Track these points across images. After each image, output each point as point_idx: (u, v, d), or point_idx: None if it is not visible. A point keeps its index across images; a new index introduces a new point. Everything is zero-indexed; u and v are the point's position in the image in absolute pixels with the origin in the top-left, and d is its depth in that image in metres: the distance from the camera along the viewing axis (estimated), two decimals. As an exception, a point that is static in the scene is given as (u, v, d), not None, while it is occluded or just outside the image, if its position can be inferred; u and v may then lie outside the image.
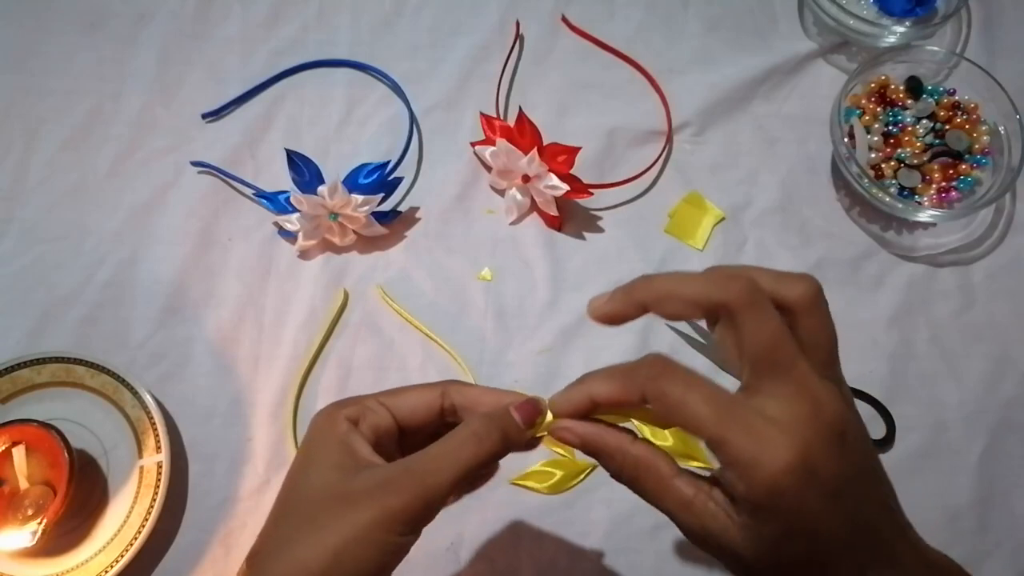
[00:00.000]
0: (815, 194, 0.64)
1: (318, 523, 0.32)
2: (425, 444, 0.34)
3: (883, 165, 0.61)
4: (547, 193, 0.58)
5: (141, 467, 0.52)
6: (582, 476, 0.55)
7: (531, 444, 0.35)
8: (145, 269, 0.59)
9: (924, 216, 0.60)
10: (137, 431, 0.53)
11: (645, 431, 0.56)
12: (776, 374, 0.30)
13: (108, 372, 0.54)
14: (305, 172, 0.57)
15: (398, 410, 0.36)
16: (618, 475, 0.33)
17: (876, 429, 0.57)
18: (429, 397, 0.36)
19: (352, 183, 0.57)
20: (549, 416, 0.34)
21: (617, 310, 0.33)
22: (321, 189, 0.56)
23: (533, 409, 0.34)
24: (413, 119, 0.63)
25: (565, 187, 0.58)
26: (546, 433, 0.34)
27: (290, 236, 0.60)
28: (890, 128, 0.62)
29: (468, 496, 0.40)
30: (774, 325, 0.30)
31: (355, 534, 0.31)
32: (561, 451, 0.55)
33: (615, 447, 0.32)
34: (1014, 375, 0.59)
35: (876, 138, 0.62)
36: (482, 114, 0.63)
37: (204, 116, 0.64)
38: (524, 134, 0.58)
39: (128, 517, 0.51)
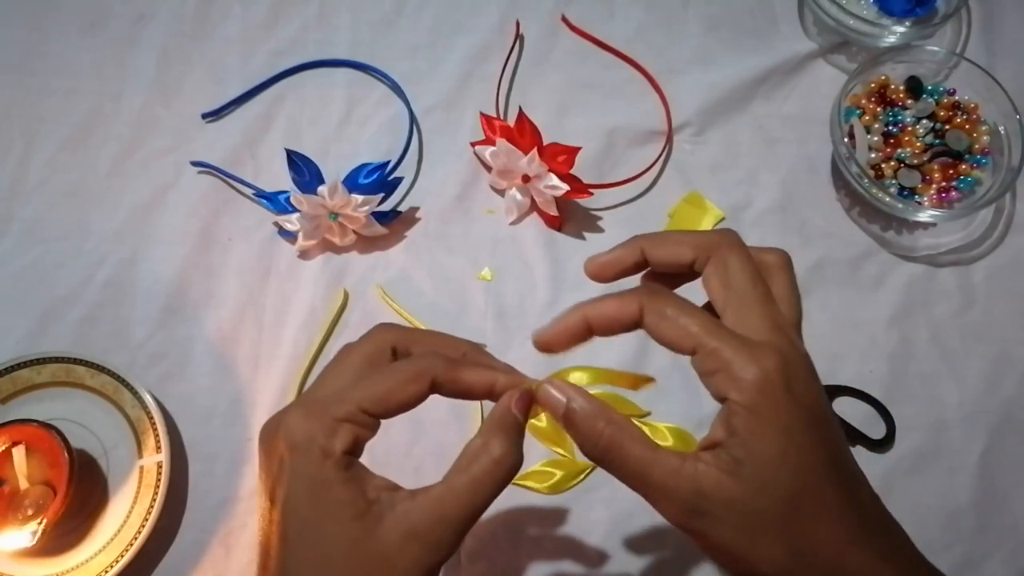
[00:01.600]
0: (815, 194, 0.64)
1: None
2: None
3: (883, 165, 0.61)
4: (547, 193, 0.58)
5: (141, 467, 0.52)
6: (582, 476, 0.55)
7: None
8: (145, 269, 0.59)
9: (924, 216, 0.60)
10: (137, 431, 0.53)
11: (645, 431, 0.56)
12: (756, 307, 0.32)
13: (108, 372, 0.54)
14: (305, 172, 0.57)
15: (379, 407, 0.33)
16: (595, 443, 0.32)
17: (876, 429, 0.57)
18: (414, 389, 0.33)
19: (352, 183, 0.57)
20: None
21: (618, 256, 0.35)
22: (321, 189, 0.56)
23: (529, 402, 0.34)
24: (413, 119, 0.63)
25: (565, 187, 0.58)
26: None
27: (290, 236, 0.60)
28: (890, 128, 0.62)
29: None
30: (755, 266, 0.34)
31: None
32: (561, 451, 0.56)
33: (599, 412, 0.32)
34: (1014, 375, 0.59)
35: (876, 138, 0.62)
36: (482, 114, 0.63)
37: (204, 116, 0.64)
38: (524, 134, 0.58)
39: (128, 517, 0.51)
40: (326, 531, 0.31)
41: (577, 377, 0.37)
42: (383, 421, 0.34)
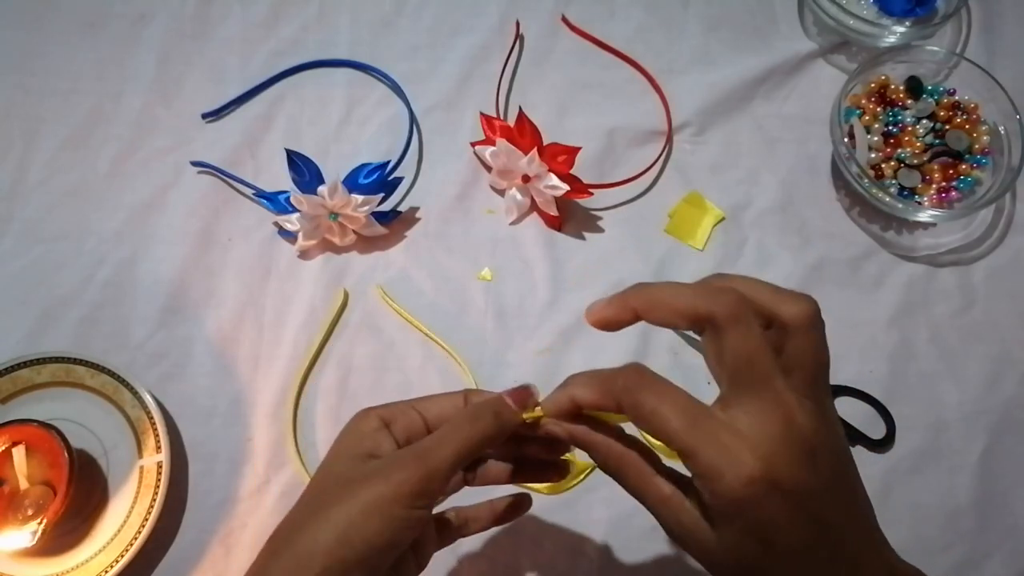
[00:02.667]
0: (815, 194, 0.64)
1: (328, 504, 0.34)
2: None
3: (883, 165, 0.61)
4: (547, 193, 0.58)
5: (141, 467, 0.52)
6: (582, 476, 0.55)
7: (531, 427, 0.36)
8: (145, 269, 0.59)
9: (924, 216, 0.60)
10: (137, 431, 0.53)
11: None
12: (751, 389, 0.30)
13: (108, 372, 0.54)
14: (305, 172, 0.57)
15: (427, 412, 0.38)
16: (604, 466, 0.34)
17: (876, 429, 0.57)
18: (454, 399, 0.39)
19: (352, 183, 0.57)
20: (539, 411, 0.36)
21: (612, 315, 0.34)
22: (321, 189, 0.56)
23: (525, 392, 0.37)
24: (413, 119, 0.63)
25: (565, 187, 0.58)
26: (542, 416, 0.36)
27: (290, 236, 0.60)
28: (890, 128, 0.62)
29: (469, 498, 0.40)
30: (755, 341, 0.31)
31: (361, 509, 0.33)
32: (561, 451, 0.55)
33: (600, 443, 0.34)
34: (1014, 375, 0.59)
35: (876, 138, 0.62)
36: (482, 114, 0.63)
37: (204, 116, 0.64)
38: (524, 134, 0.58)
39: (128, 517, 0.51)
40: (331, 466, 0.37)
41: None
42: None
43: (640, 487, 0.33)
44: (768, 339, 0.31)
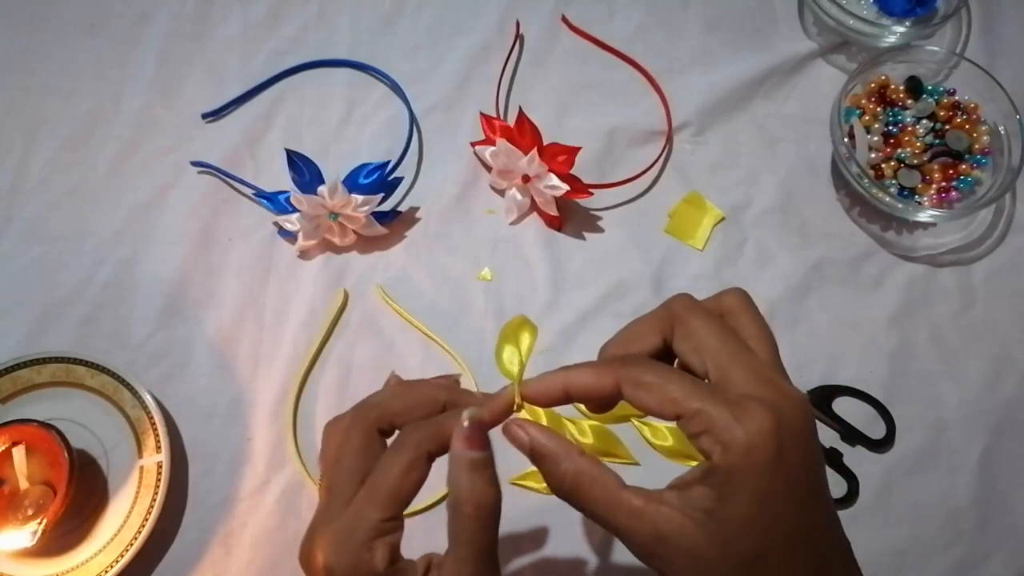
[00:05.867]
0: (815, 194, 0.64)
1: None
2: None
3: (883, 165, 0.61)
4: (547, 193, 0.58)
5: (141, 467, 0.52)
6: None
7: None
8: (145, 269, 0.59)
9: (924, 216, 0.60)
10: (137, 431, 0.53)
11: (645, 431, 0.56)
12: (737, 361, 0.31)
13: (108, 372, 0.54)
14: (305, 172, 0.57)
15: (395, 509, 0.33)
16: (560, 485, 0.32)
17: (876, 429, 0.57)
18: (417, 475, 0.34)
19: (352, 183, 0.57)
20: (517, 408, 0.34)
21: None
22: (321, 189, 0.56)
23: (481, 433, 0.33)
24: (413, 119, 0.63)
25: (565, 187, 0.58)
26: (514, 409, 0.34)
27: (290, 236, 0.60)
28: (890, 128, 0.62)
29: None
30: (719, 321, 0.33)
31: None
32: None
33: (563, 452, 0.32)
34: (1014, 375, 0.59)
35: (876, 138, 0.62)
36: (482, 114, 0.63)
37: (204, 116, 0.64)
38: (524, 134, 0.58)
39: (128, 517, 0.51)
40: None
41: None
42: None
43: (608, 503, 0.31)
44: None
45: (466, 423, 0.32)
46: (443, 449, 0.33)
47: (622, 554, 0.54)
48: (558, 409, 0.54)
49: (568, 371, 0.33)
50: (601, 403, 0.35)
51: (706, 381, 0.32)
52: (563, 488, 0.32)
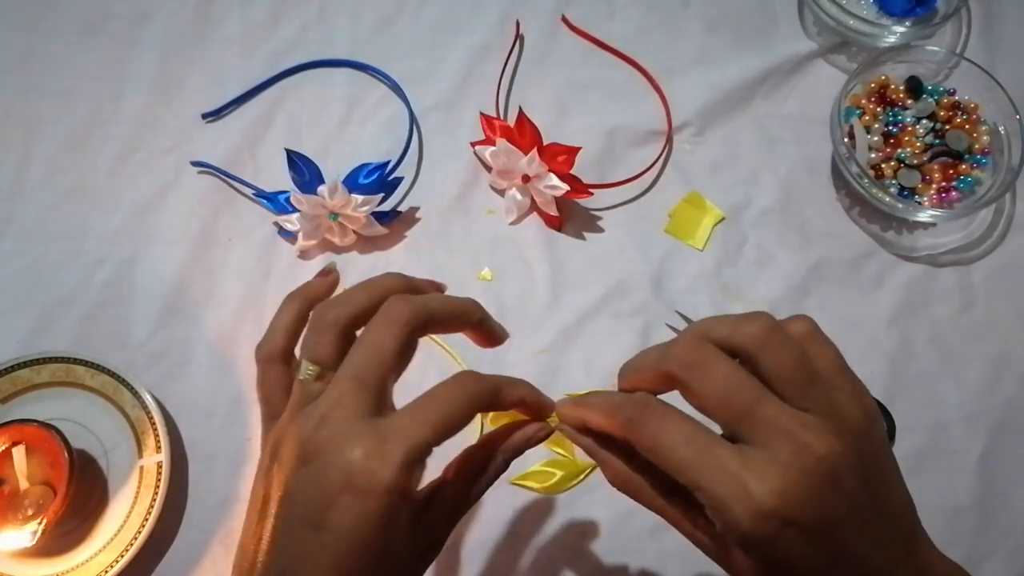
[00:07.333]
0: (815, 194, 0.64)
1: None
2: None
3: (883, 165, 0.61)
4: (547, 193, 0.58)
5: (141, 467, 0.52)
6: (582, 476, 0.55)
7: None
8: (145, 269, 0.59)
9: (924, 216, 0.60)
10: (137, 431, 0.53)
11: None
12: (743, 422, 0.29)
13: (108, 372, 0.54)
14: (305, 172, 0.57)
15: (440, 439, 0.32)
16: (614, 483, 0.34)
17: (876, 429, 0.57)
18: (468, 417, 0.33)
19: (352, 183, 0.57)
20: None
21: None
22: (321, 189, 0.56)
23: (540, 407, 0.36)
24: (413, 119, 0.63)
25: (565, 187, 0.58)
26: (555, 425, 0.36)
27: (290, 236, 0.60)
28: (890, 128, 0.62)
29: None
30: (722, 374, 0.29)
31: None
32: (561, 451, 0.56)
33: (608, 461, 0.34)
34: (1014, 375, 0.59)
35: (876, 138, 0.62)
36: (482, 114, 0.63)
37: (204, 116, 0.64)
38: (524, 134, 0.58)
39: (128, 517, 0.51)
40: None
41: None
42: None
43: (653, 508, 0.33)
44: (743, 369, 0.30)
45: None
46: (490, 409, 0.34)
47: (622, 554, 0.54)
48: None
49: (587, 409, 0.34)
50: None
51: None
52: (617, 487, 0.34)
